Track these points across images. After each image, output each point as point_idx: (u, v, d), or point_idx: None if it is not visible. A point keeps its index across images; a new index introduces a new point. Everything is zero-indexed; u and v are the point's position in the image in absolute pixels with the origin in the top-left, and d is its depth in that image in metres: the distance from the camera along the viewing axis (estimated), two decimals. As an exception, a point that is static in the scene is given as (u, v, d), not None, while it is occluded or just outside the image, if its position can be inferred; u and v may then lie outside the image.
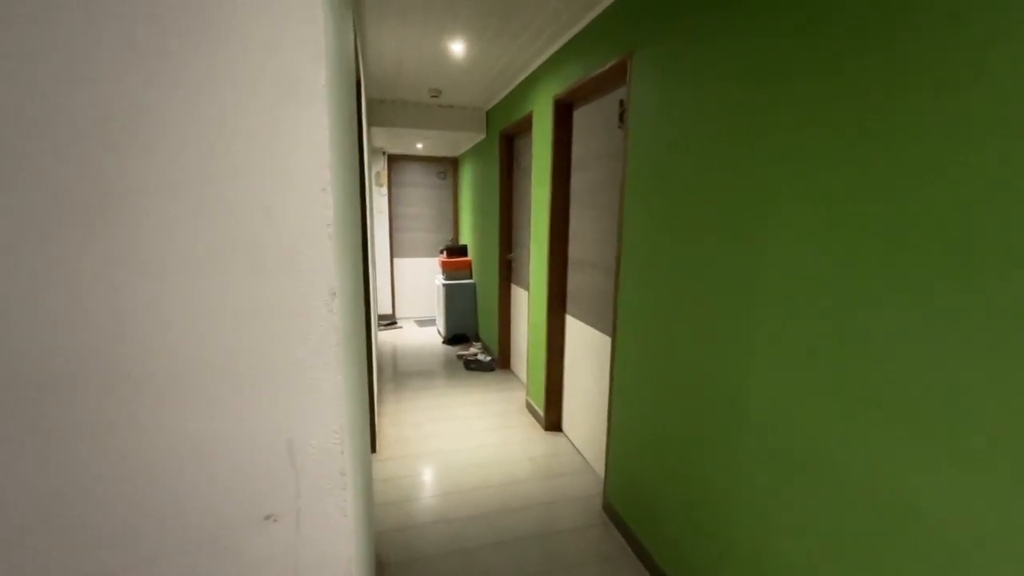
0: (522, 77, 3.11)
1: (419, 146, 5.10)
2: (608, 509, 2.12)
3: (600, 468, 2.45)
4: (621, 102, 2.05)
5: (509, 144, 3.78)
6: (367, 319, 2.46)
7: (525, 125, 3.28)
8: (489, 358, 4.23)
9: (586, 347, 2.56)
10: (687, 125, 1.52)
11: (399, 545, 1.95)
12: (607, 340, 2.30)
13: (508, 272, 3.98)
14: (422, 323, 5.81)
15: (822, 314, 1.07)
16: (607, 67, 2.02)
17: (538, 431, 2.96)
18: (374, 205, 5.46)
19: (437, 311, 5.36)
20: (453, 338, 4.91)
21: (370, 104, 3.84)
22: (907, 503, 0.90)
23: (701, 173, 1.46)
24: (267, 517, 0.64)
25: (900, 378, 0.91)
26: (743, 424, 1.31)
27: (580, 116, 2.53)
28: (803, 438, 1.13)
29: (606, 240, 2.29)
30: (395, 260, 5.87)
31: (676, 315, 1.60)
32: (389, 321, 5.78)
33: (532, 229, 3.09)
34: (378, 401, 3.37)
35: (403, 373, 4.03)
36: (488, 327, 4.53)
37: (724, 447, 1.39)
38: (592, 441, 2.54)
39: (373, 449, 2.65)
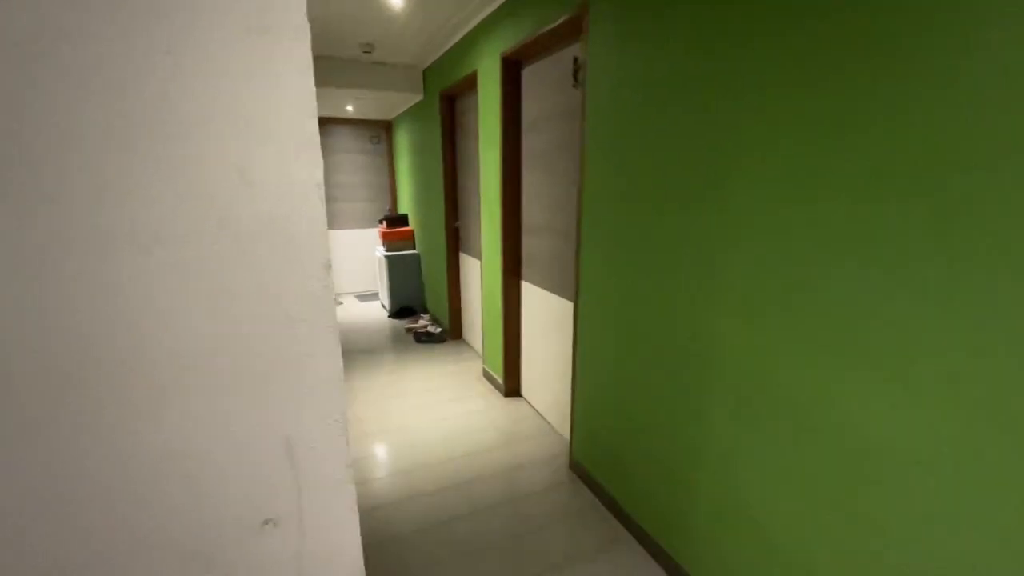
0: (464, 32, 2.93)
1: (349, 108, 4.73)
2: (575, 467, 2.19)
3: (563, 430, 2.51)
4: (575, 60, 1.99)
5: (450, 106, 3.60)
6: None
7: (469, 85, 3.13)
8: (439, 329, 4.15)
9: (545, 312, 2.57)
10: (649, 83, 1.50)
11: (371, 526, 1.90)
12: (567, 304, 2.32)
13: (456, 241, 3.87)
14: (363, 298, 5.57)
15: (787, 266, 1.12)
16: (560, 22, 1.94)
17: (498, 398, 2.97)
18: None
19: (380, 284, 5.14)
20: (399, 311, 4.76)
21: (293, 60, 3.47)
22: (869, 441, 0.99)
23: (664, 132, 1.45)
24: (266, 522, 0.56)
25: (862, 324, 0.98)
26: (711, 375, 1.38)
27: (530, 75, 2.44)
28: (769, 385, 1.20)
29: (563, 204, 2.27)
30: (330, 233, 5.51)
31: (642, 275, 1.62)
32: (328, 298, 5.48)
33: (482, 195, 3.00)
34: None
35: (350, 351, 3.85)
36: (436, 298, 4.43)
37: (692, 398, 1.45)
38: (554, 404, 2.60)
39: (329, 432, 2.53)
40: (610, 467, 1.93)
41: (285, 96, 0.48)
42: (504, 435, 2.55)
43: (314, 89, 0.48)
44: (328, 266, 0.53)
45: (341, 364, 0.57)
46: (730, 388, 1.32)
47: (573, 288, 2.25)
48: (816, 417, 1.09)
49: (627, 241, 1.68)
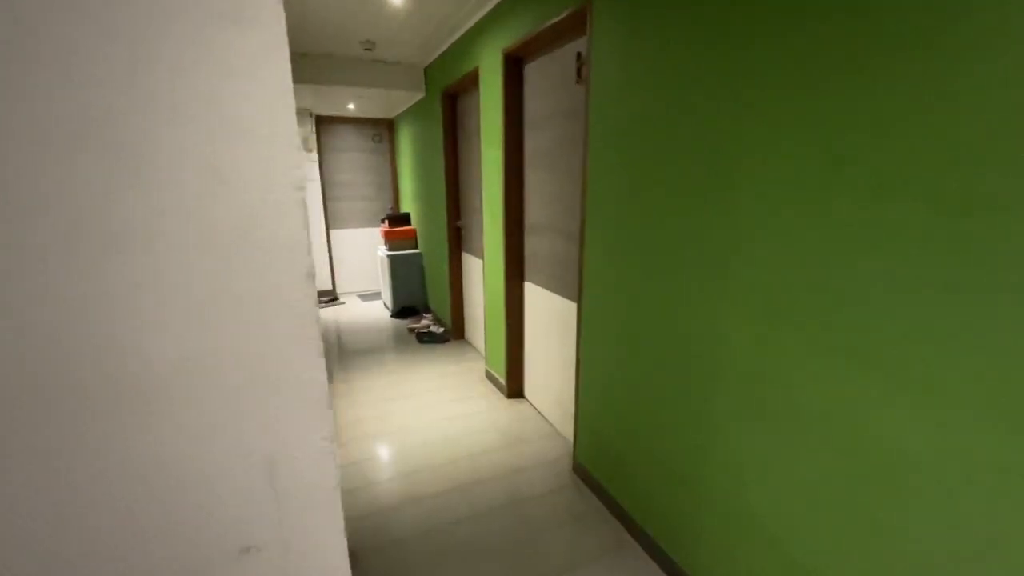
0: (465, 28, 2.89)
1: (351, 106, 4.70)
2: (579, 470, 2.15)
3: (566, 432, 2.47)
4: (579, 55, 1.94)
5: (452, 104, 3.55)
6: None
7: (470, 82, 3.08)
8: (442, 329, 4.12)
9: (547, 313, 2.53)
10: (655, 78, 1.45)
11: (370, 531, 1.87)
12: (570, 304, 2.28)
13: (458, 240, 3.83)
14: (366, 297, 5.55)
15: (799, 267, 1.07)
16: (563, 16, 1.89)
17: (501, 400, 2.94)
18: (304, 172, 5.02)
19: (382, 284, 5.12)
20: (401, 311, 4.73)
21: (292, 58, 3.44)
22: (889, 451, 0.94)
23: (671, 129, 1.41)
24: (246, 549, 0.53)
25: (880, 327, 0.93)
26: (717, 377, 1.33)
27: (532, 71, 2.40)
28: (781, 391, 1.15)
29: (566, 203, 2.22)
30: (331, 232, 5.49)
31: (646, 276, 1.58)
32: (330, 297, 5.46)
33: (484, 194, 2.96)
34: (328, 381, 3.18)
35: (351, 352, 3.83)
36: (438, 298, 4.39)
37: (699, 402, 1.41)
38: (557, 406, 2.56)
39: (329, 434, 2.50)
40: (614, 470, 1.89)
41: (259, 90, 0.44)
42: (506, 437, 2.52)
43: (291, 83, 0.45)
44: (310, 276, 0.49)
45: (325, 380, 0.53)
46: (739, 393, 1.27)
47: (576, 289, 2.20)
48: (832, 424, 1.05)
49: (632, 241, 1.63)
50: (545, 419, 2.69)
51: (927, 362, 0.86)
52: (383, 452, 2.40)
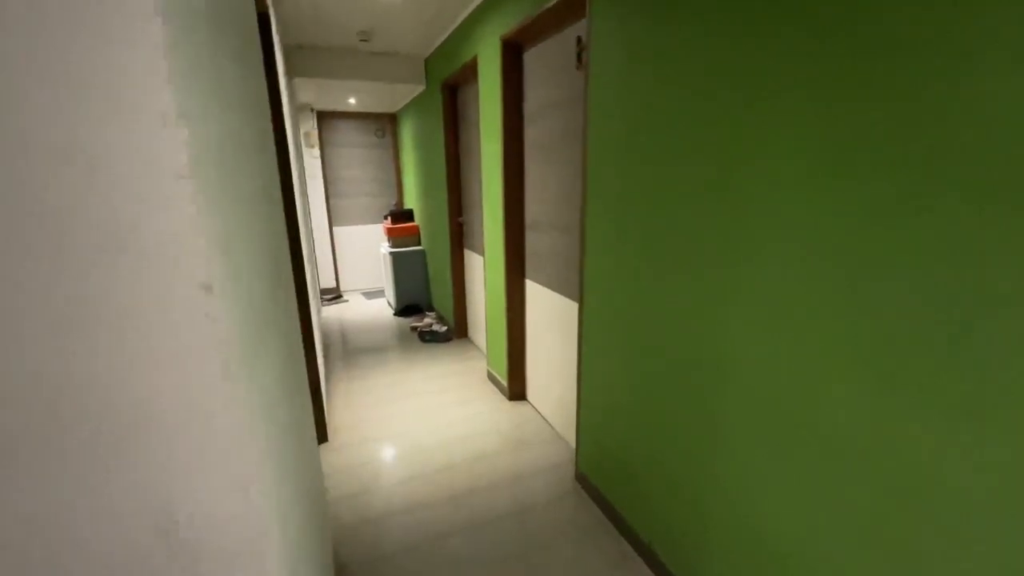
0: (464, 15, 2.77)
1: (351, 101, 4.61)
2: (581, 479, 2.05)
3: (569, 436, 2.37)
4: (579, 39, 1.82)
5: (452, 96, 3.44)
6: (303, 296, 2.18)
7: (469, 73, 2.97)
8: (445, 328, 4.03)
9: (549, 313, 2.42)
10: (659, 63, 1.33)
11: (361, 542, 1.79)
12: (572, 305, 2.17)
13: (460, 236, 3.74)
14: (370, 295, 5.49)
15: (822, 270, 0.95)
16: (561, -3, 1.77)
17: (502, 402, 2.84)
18: (306, 169, 4.96)
19: (385, 282, 5.04)
20: (405, 309, 4.66)
21: (288, 51, 3.35)
22: (923, 478, 0.82)
23: (678, 117, 1.28)
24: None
25: (904, 338, 0.81)
26: (726, 387, 1.22)
27: (532, 58, 2.28)
28: (794, 401, 1.04)
29: (567, 198, 2.11)
30: (334, 229, 5.43)
31: (651, 277, 1.46)
32: (334, 295, 5.41)
33: (483, 189, 2.85)
34: (327, 383, 3.11)
35: (354, 350, 3.76)
36: (442, 296, 4.30)
37: (706, 411, 1.30)
38: (559, 409, 2.45)
39: (324, 438, 2.43)
40: (618, 480, 1.79)
41: (124, 53, 0.34)
42: (507, 441, 2.42)
43: (163, 44, 0.34)
44: (207, 288, 0.39)
45: (243, 416, 0.44)
46: (751, 406, 1.16)
47: (578, 288, 2.09)
48: (861, 447, 0.93)
49: (634, 239, 1.52)
50: (547, 422, 2.59)
51: (965, 380, 0.74)
52: (379, 457, 2.32)
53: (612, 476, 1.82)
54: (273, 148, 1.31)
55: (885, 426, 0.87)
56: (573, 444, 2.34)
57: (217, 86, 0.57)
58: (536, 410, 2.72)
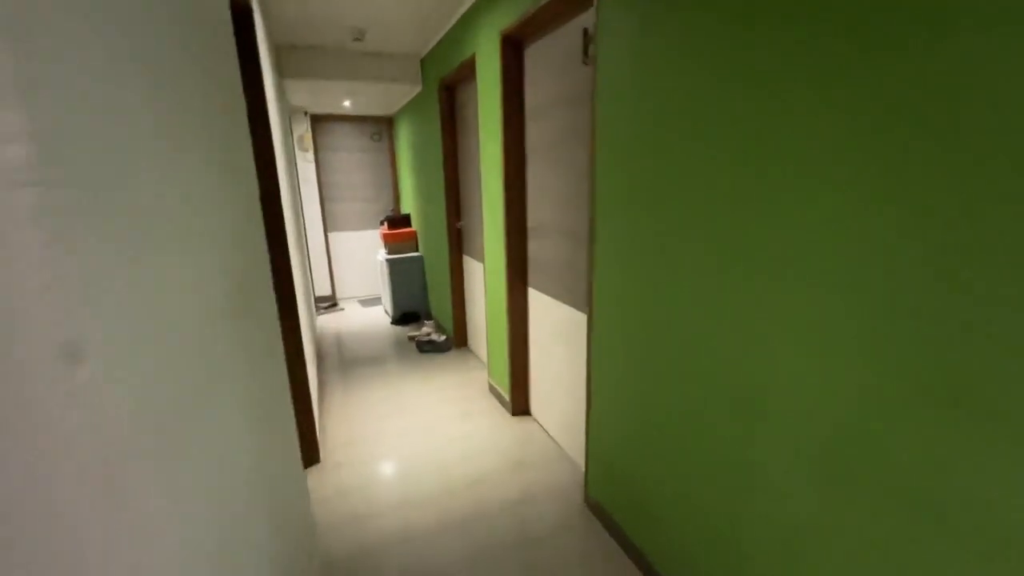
0: (462, 11, 2.65)
1: (346, 104, 4.49)
2: (592, 505, 1.90)
3: (577, 456, 2.23)
4: (585, 32, 1.69)
5: (450, 96, 3.32)
6: (291, 309, 2.04)
7: (467, 72, 2.84)
8: (444, 337, 3.89)
9: (555, 323, 2.28)
10: (679, 52, 1.19)
11: (353, 579, 1.64)
12: (579, 316, 2.03)
13: (459, 242, 3.60)
14: (366, 303, 5.34)
15: (883, 288, 0.81)
16: (566, -14, 1.64)
17: (505, 417, 2.69)
18: (299, 173, 4.83)
19: (382, 289, 4.90)
20: (402, 317, 4.51)
21: (279, 51, 3.22)
22: (996, 520, 0.68)
23: (702, 112, 1.15)
24: None
25: (992, 372, 0.67)
26: (769, 415, 1.08)
27: (534, 54, 2.15)
28: (850, 437, 0.90)
29: (572, 202, 1.97)
30: (330, 235, 5.29)
31: (669, 290, 1.32)
32: (329, 303, 5.26)
33: (483, 192, 2.72)
34: (320, 398, 2.97)
35: (350, 361, 3.62)
36: (440, 304, 4.16)
37: (740, 444, 1.16)
38: (566, 426, 2.31)
39: (316, 459, 2.28)
40: (633, 510, 1.64)
41: None
42: (510, 461, 2.27)
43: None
44: (70, 354, 0.25)
45: (177, 502, 0.29)
46: (802, 441, 1.02)
47: (586, 299, 1.95)
48: (942, 494, 0.79)
49: (650, 247, 1.38)
50: (552, 439, 2.44)
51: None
52: (374, 479, 2.17)
53: (627, 504, 1.68)
54: (248, 152, 1.18)
55: (978, 476, 0.73)
56: (581, 465, 2.20)
57: (153, 61, 0.43)
58: (541, 426, 2.58)
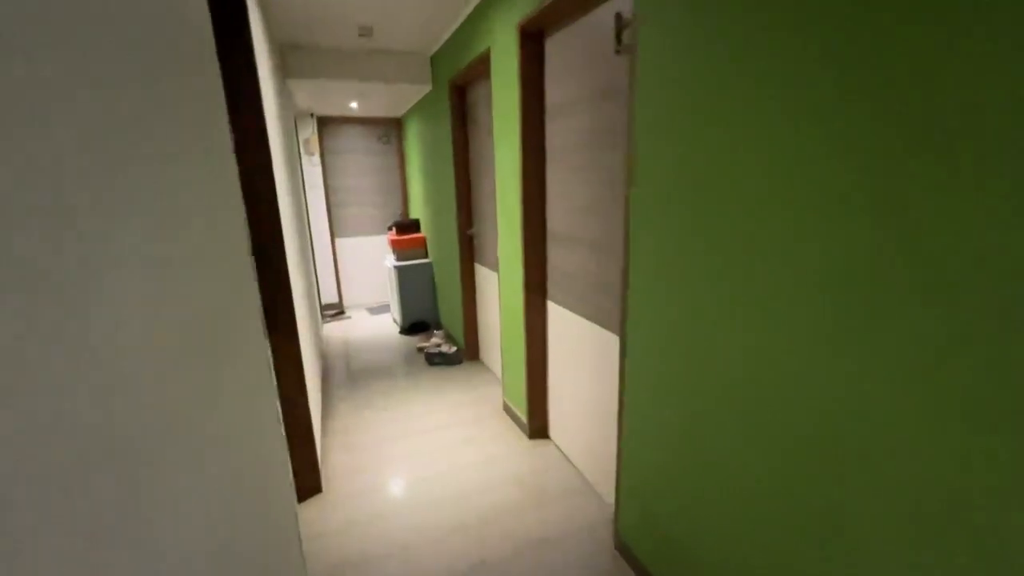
0: (475, 2, 2.46)
1: (353, 105, 4.33)
2: (623, 550, 1.69)
3: (603, 488, 2.02)
4: (619, 16, 1.49)
5: (461, 96, 3.14)
6: (290, 326, 1.86)
7: (481, 69, 2.66)
8: (454, 349, 3.70)
9: (577, 341, 2.08)
10: (743, 29, 0.99)
11: (355, 638, 1.45)
12: (607, 336, 1.82)
13: (470, 250, 3.41)
14: (374, 311, 5.17)
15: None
16: (597, -34, 1.45)
17: (521, 440, 2.49)
18: (305, 177, 4.69)
19: (391, 297, 4.73)
20: (411, 327, 4.33)
21: (283, 51, 3.07)
22: None
23: (780, 98, 0.95)
24: None
25: None
26: (856, 467, 0.87)
27: (555, 46, 1.96)
28: (960, 499, 0.69)
29: (599, 208, 1.77)
30: (336, 240, 5.14)
31: (729, 308, 1.12)
32: (336, 311, 5.10)
33: (498, 198, 2.53)
34: (323, 417, 2.79)
35: (357, 373, 3.44)
36: (450, 313, 3.97)
37: (817, 494, 0.95)
38: (589, 453, 2.10)
39: (317, 489, 2.10)
40: (673, 558, 1.43)
41: None
42: (528, 493, 2.07)
43: None
44: None
45: None
46: (905, 504, 0.81)
47: (614, 315, 1.75)
48: None
49: (704, 264, 1.18)
50: (574, 467, 2.24)
51: None
52: (379, 513, 1.98)
53: (665, 551, 1.47)
54: (228, 164, 1.00)
55: None
56: (607, 499, 1.99)
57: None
58: (561, 451, 2.37)
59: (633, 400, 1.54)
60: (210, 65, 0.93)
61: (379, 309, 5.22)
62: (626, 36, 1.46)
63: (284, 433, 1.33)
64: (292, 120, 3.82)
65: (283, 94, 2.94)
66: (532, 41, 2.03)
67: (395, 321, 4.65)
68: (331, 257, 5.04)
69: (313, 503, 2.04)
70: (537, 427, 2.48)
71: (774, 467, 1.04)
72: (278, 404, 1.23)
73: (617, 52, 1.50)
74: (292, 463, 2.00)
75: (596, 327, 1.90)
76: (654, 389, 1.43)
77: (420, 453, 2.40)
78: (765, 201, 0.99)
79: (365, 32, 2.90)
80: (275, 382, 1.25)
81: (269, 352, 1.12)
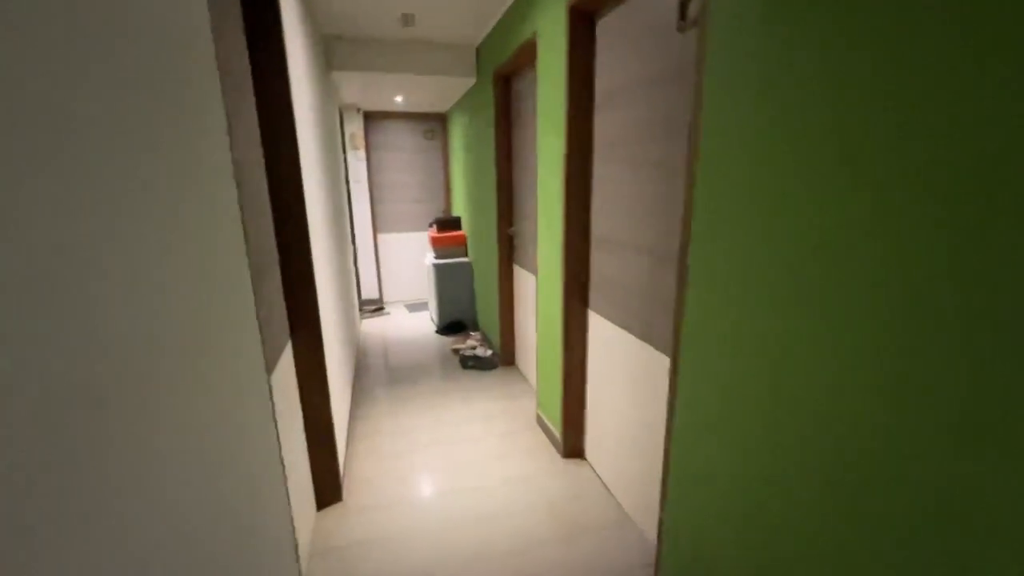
0: (521, -14, 2.29)
1: (398, 99, 4.27)
2: (664, 603, 1.48)
3: (644, 522, 1.80)
4: (683, -15, 1.28)
5: (506, 87, 2.97)
6: (314, 329, 1.77)
7: (526, 57, 2.49)
8: (490, 352, 3.56)
9: (620, 355, 1.87)
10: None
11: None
12: (655, 354, 1.61)
13: (510, 250, 3.25)
14: (413, 308, 5.13)
15: None
16: (661, -74, 1.23)
17: (554, 459, 2.31)
18: (350, 172, 4.70)
19: (429, 295, 4.66)
20: (448, 327, 4.23)
21: (325, 41, 3.02)
22: None
23: (892, 79, 0.72)
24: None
25: None
26: (984, 532, 0.63)
27: (608, 27, 1.75)
28: None
29: (653, 209, 1.56)
30: (379, 236, 5.13)
31: (809, 331, 0.89)
32: (376, 307, 5.10)
33: (539, 194, 2.35)
34: (351, 418, 2.72)
35: (391, 372, 3.37)
36: (487, 314, 3.84)
37: (938, 557, 0.71)
38: (628, 479, 1.89)
39: (338, 497, 2.01)
40: (726, 632, 1.21)
41: None
42: (559, 521, 1.89)
43: None
44: None
45: None
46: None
47: (665, 332, 1.53)
48: None
49: (784, 281, 0.95)
50: (611, 495, 2.03)
51: None
52: (398, 531, 1.85)
53: (716, 619, 1.24)
54: (216, 144, 0.88)
55: None
56: (649, 536, 1.77)
57: None
58: (596, 474, 2.17)
59: (684, 430, 1.32)
60: (205, 48, 0.81)
61: (418, 306, 5.17)
62: (692, 8, 1.24)
63: (279, 440, 1.22)
64: (336, 114, 3.80)
65: (326, 87, 2.90)
66: (582, 22, 1.83)
67: (432, 320, 4.57)
68: (373, 253, 5.04)
69: (332, 512, 1.95)
70: (572, 446, 2.29)
71: (878, 550, 0.81)
72: (273, 406, 1.12)
73: (680, 29, 1.28)
74: (312, 469, 1.91)
75: (643, 344, 1.68)
76: (711, 420, 1.21)
77: (447, 465, 2.27)
78: (886, 207, 0.75)
79: (408, 20, 2.80)
80: (270, 383, 1.13)
81: (261, 351, 1.01)
